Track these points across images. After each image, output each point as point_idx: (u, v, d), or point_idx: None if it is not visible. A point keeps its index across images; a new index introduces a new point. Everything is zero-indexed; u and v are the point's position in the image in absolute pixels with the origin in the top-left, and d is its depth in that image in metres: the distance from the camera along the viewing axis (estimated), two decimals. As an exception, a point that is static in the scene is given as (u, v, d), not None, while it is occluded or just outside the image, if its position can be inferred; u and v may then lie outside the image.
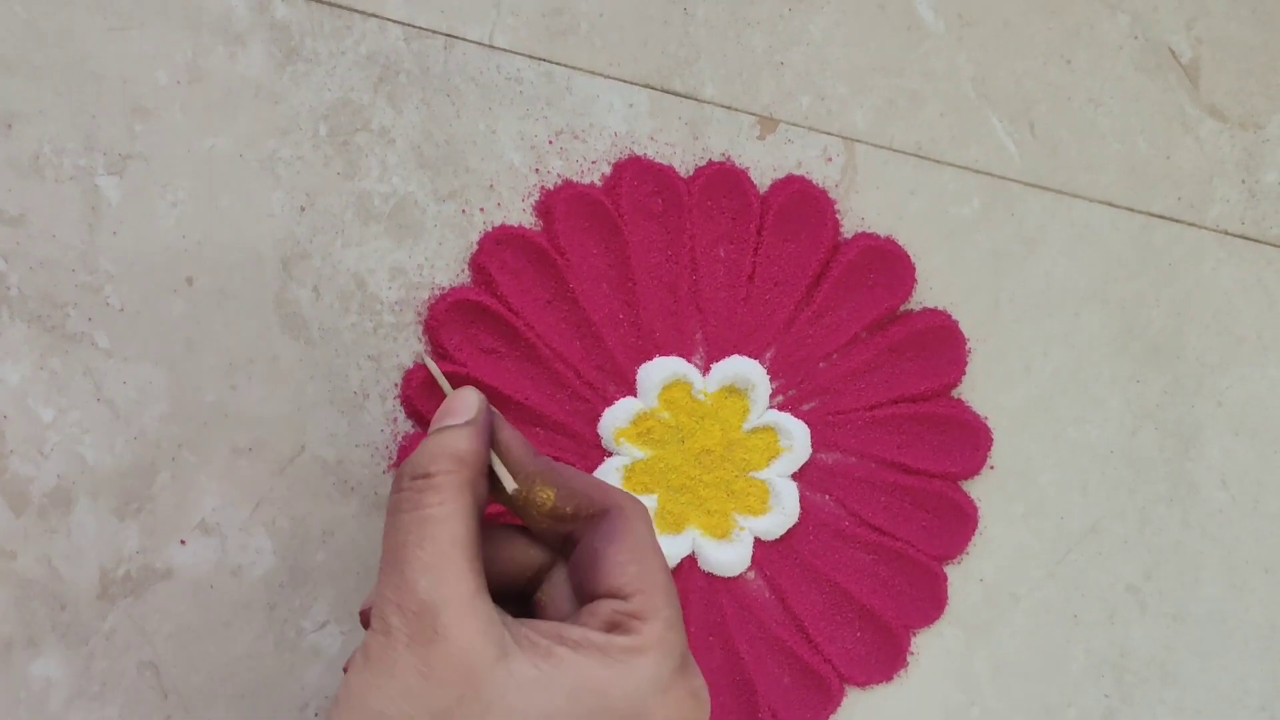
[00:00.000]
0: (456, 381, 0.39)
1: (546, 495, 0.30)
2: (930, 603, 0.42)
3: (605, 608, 0.29)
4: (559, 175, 0.40)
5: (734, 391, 0.40)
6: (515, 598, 0.32)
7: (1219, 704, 0.44)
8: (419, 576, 0.28)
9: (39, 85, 0.37)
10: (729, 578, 0.40)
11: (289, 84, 0.38)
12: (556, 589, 0.31)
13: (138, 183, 0.37)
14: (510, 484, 0.30)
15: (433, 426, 0.31)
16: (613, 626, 0.29)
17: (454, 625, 0.27)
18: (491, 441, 0.31)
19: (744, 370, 0.40)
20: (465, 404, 0.30)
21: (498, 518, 0.37)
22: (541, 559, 0.32)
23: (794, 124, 0.42)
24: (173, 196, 0.38)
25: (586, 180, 0.40)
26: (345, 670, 0.29)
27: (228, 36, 0.38)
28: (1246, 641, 0.44)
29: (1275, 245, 0.45)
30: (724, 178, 0.40)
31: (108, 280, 0.37)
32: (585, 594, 0.30)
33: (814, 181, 0.42)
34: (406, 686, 0.27)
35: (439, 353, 0.39)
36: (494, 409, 0.31)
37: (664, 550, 0.39)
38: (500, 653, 0.27)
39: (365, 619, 0.30)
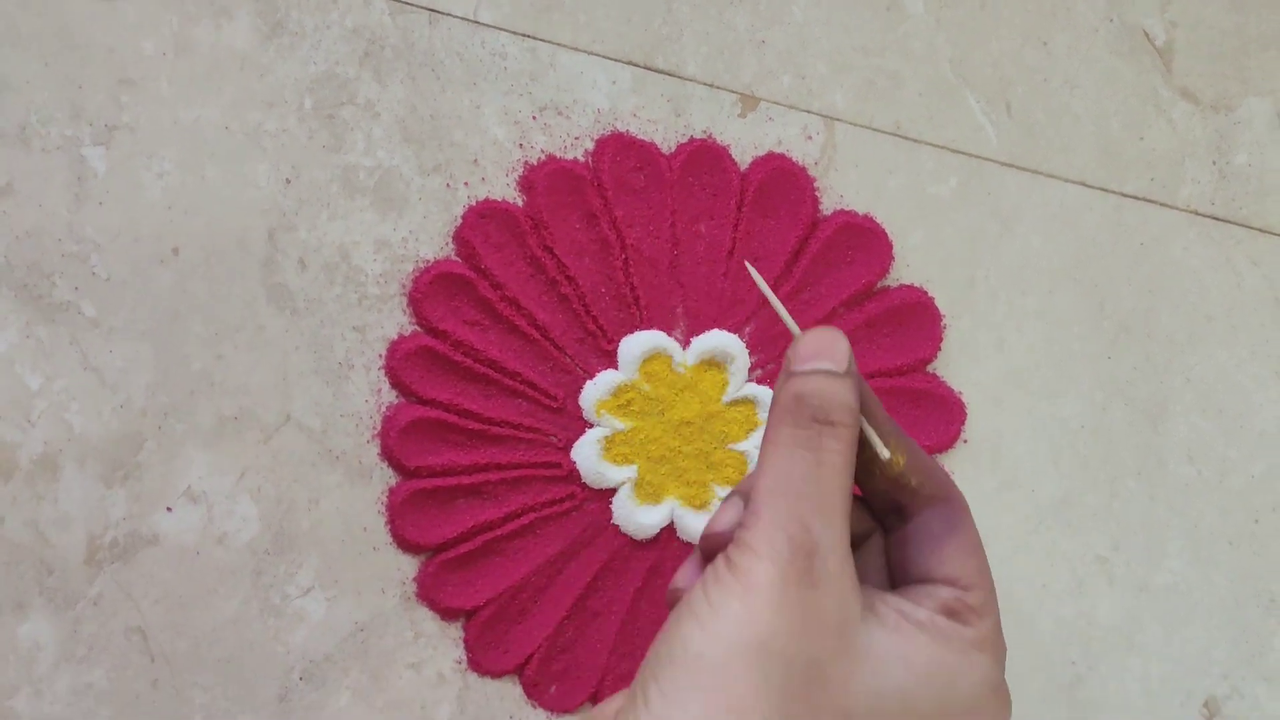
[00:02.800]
0: (441, 353, 0.39)
1: (899, 460, 0.30)
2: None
3: (945, 593, 0.29)
4: (542, 150, 0.41)
5: (713, 365, 0.41)
6: None
7: (1183, 672, 0.45)
8: (813, 515, 0.27)
9: (26, 55, 0.37)
10: (707, 547, 0.41)
11: (275, 57, 0.39)
12: (869, 560, 0.31)
13: (124, 153, 0.38)
14: (884, 450, 0.29)
15: (803, 363, 0.29)
16: (952, 614, 0.28)
17: (837, 573, 0.27)
18: None
19: (723, 344, 0.41)
20: (839, 349, 0.29)
21: None
22: (866, 526, 0.31)
23: (775, 102, 0.42)
24: (159, 167, 0.38)
25: (569, 156, 0.41)
26: (671, 598, 0.29)
27: (214, 8, 0.38)
28: (1210, 612, 0.45)
29: (1244, 226, 0.46)
30: (705, 154, 0.41)
31: (94, 250, 0.37)
32: (909, 575, 0.30)
33: (794, 159, 0.42)
34: (790, 624, 0.27)
35: (424, 325, 0.39)
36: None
37: (642, 520, 0.40)
38: (865, 612, 0.28)
39: (712, 540, 0.29)
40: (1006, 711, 0.29)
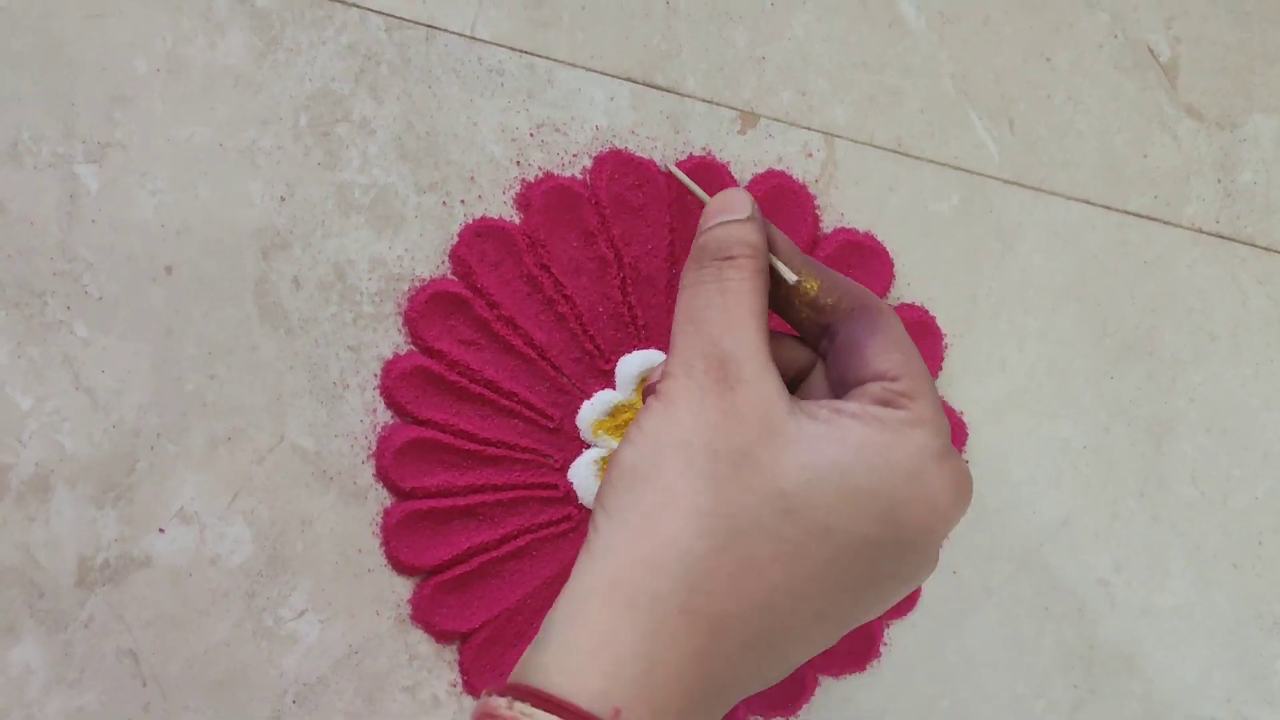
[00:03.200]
0: (437, 373, 0.39)
1: (811, 285, 0.32)
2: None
3: (874, 388, 0.30)
4: (540, 168, 0.40)
5: (712, 385, 0.40)
6: None
7: (1186, 695, 0.45)
8: (722, 334, 0.30)
9: (17, 72, 0.37)
10: (705, 569, 0.41)
11: (269, 73, 0.38)
12: (816, 386, 0.33)
13: (117, 171, 0.37)
14: (790, 275, 0.32)
15: (709, 221, 0.33)
16: (884, 403, 0.30)
17: (753, 377, 0.30)
18: None
19: (722, 364, 0.40)
20: (740, 201, 0.33)
21: None
22: (805, 359, 0.33)
23: (775, 119, 0.42)
24: (152, 185, 0.38)
25: (567, 173, 0.40)
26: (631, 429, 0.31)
27: (208, 25, 0.38)
28: (1213, 634, 0.45)
29: (1249, 244, 0.45)
30: (704, 172, 0.41)
31: (86, 269, 0.37)
32: (847, 384, 0.31)
33: (794, 176, 0.42)
34: (709, 421, 0.29)
35: (419, 344, 0.39)
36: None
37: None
38: (794, 410, 0.30)
39: (649, 391, 0.32)
40: (963, 482, 0.30)
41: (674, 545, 0.28)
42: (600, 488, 0.31)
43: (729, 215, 0.32)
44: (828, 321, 0.32)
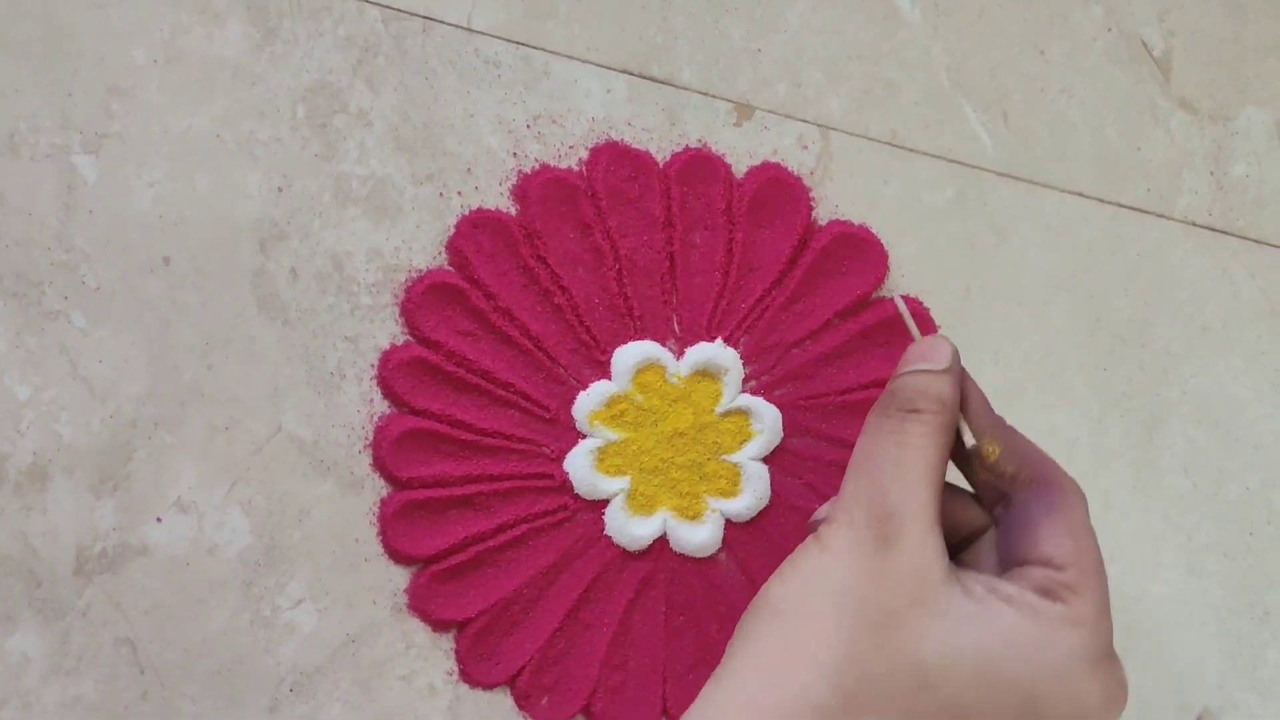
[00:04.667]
0: (434, 363, 0.39)
1: (992, 449, 0.31)
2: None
3: (1037, 573, 0.29)
4: (536, 159, 0.40)
5: (707, 375, 0.41)
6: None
7: (1178, 685, 0.45)
8: (891, 486, 0.30)
9: (15, 62, 0.37)
10: (700, 559, 0.41)
11: (267, 65, 0.38)
12: (984, 553, 0.32)
13: (114, 162, 0.37)
14: (969, 438, 0.31)
15: (906, 366, 0.32)
16: (1044, 593, 0.29)
17: (915, 538, 0.29)
18: None
19: (717, 355, 0.40)
20: (942, 351, 0.32)
21: None
22: (980, 521, 0.32)
23: (770, 111, 0.42)
24: (149, 176, 0.38)
25: (563, 165, 0.40)
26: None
27: (205, 16, 0.38)
28: (1205, 624, 0.45)
29: (1241, 237, 0.46)
30: (700, 164, 0.41)
31: (84, 259, 0.37)
32: (1013, 560, 0.30)
33: (789, 168, 0.42)
34: (862, 577, 0.29)
35: (416, 335, 0.39)
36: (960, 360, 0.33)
37: (635, 531, 0.40)
38: (951, 581, 0.29)
39: (811, 527, 0.32)
40: (1116, 689, 0.29)
41: (804, 696, 0.28)
42: (744, 614, 0.30)
43: (925, 364, 0.32)
44: (1006, 489, 0.32)
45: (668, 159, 0.41)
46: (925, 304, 0.43)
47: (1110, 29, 0.45)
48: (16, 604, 0.37)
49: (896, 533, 0.29)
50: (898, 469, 0.30)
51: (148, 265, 0.38)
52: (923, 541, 0.29)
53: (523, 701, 0.40)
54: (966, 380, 0.32)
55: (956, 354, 0.32)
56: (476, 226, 0.39)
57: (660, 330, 0.41)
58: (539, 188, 0.40)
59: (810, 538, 0.30)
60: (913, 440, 0.30)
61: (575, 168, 0.40)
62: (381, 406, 0.39)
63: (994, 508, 0.32)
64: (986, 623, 0.28)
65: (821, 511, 0.33)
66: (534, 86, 0.40)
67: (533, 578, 0.40)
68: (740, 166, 0.42)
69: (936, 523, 0.29)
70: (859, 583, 0.29)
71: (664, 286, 0.41)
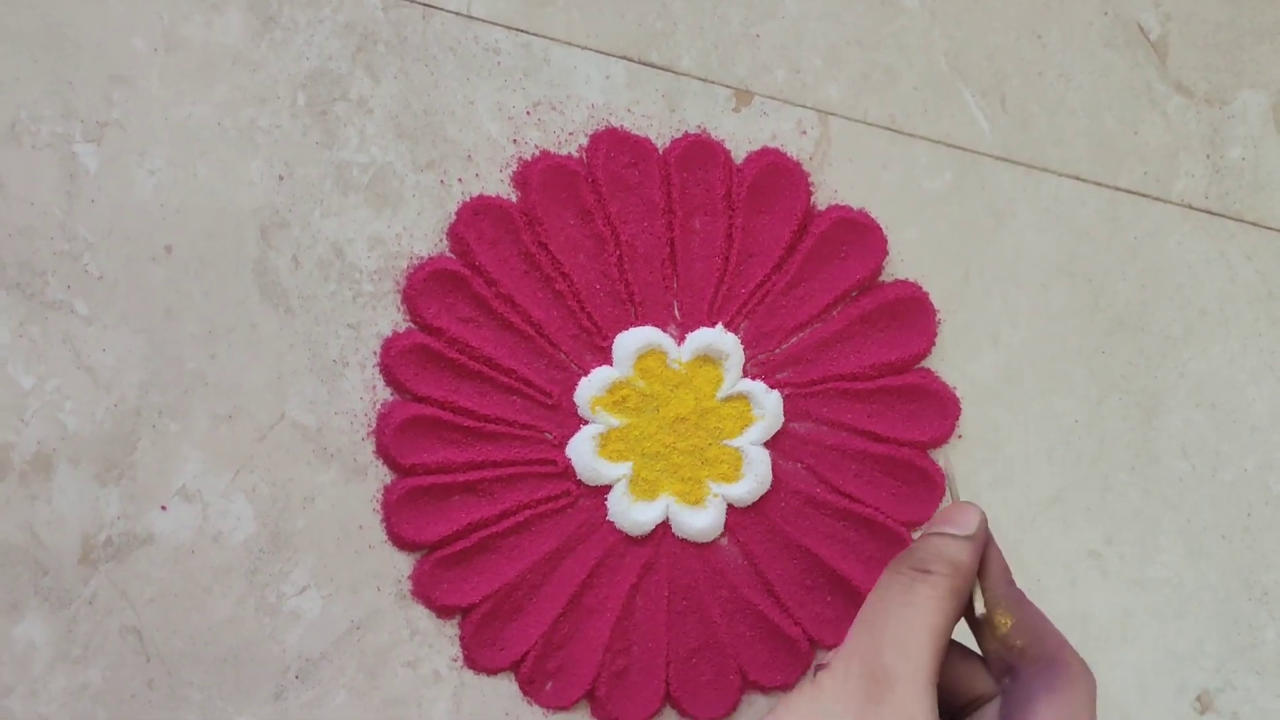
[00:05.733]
0: (436, 350, 0.39)
1: (1004, 621, 0.32)
2: (898, 568, 0.43)
3: None
4: (536, 146, 0.40)
5: (708, 361, 0.41)
6: (945, 716, 0.33)
7: (1176, 665, 0.45)
8: (889, 646, 0.30)
9: (16, 52, 0.37)
10: (702, 543, 0.41)
11: (267, 52, 0.38)
12: None
13: (115, 150, 0.37)
14: (980, 607, 0.32)
15: (931, 526, 0.33)
16: None
17: (904, 698, 0.29)
18: None
19: (718, 340, 0.41)
20: (969, 518, 0.33)
21: None
22: (986, 689, 0.33)
23: (769, 97, 0.42)
24: (151, 164, 0.38)
25: (564, 151, 0.41)
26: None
27: (205, 4, 0.38)
28: (1203, 605, 0.46)
29: (1238, 220, 0.46)
30: (699, 150, 0.41)
31: (86, 248, 0.37)
32: None
33: (788, 154, 0.42)
34: None
35: (418, 322, 0.39)
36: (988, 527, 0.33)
37: (637, 516, 0.40)
38: None
39: (820, 665, 0.32)
40: None
41: None
42: None
43: (948, 528, 0.32)
44: (1014, 662, 0.32)
45: (667, 145, 0.41)
46: (925, 288, 0.43)
47: (1107, 13, 0.45)
48: (23, 593, 0.37)
49: (887, 691, 0.30)
50: (899, 628, 0.30)
51: (150, 254, 0.38)
52: (911, 701, 0.29)
53: (527, 687, 0.40)
54: (991, 548, 0.33)
55: (984, 522, 0.33)
56: (477, 213, 0.39)
57: (661, 316, 0.41)
58: (539, 174, 0.40)
59: (808, 680, 0.31)
60: (918, 601, 0.31)
61: (575, 154, 0.41)
62: (384, 393, 0.39)
63: (1001, 678, 0.33)
64: None
65: (826, 655, 0.33)
66: (534, 73, 0.40)
67: (536, 563, 0.40)
68: (740, 152, 0.42)
69: (931, 685, 0.30)
70: None
71: (665, 272, 0.41)
